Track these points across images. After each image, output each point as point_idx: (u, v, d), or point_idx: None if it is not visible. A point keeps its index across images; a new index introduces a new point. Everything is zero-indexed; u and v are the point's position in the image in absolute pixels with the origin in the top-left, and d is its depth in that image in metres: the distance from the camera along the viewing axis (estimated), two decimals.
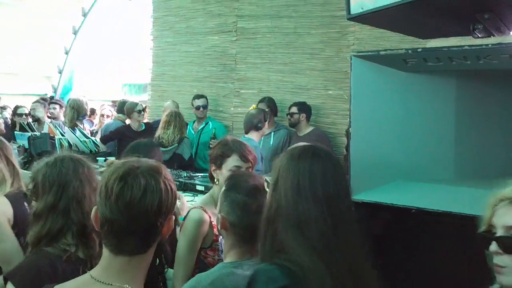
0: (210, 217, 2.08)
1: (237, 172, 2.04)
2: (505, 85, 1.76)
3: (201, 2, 6.05)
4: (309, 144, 1.51)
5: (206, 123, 5.46)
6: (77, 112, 5.88)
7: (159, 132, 5.12)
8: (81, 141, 5.01)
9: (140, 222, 1.19)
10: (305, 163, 1.33)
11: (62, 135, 5.05)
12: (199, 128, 5.43)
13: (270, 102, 5.12)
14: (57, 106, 6.36)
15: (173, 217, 1.28)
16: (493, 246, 1.13)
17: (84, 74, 8.37)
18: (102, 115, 6.62)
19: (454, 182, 1.69)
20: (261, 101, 5.14)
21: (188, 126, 5.44)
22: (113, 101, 7.80)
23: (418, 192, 1.69)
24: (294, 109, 4.88)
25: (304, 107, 4.90)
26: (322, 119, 5.15)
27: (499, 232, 1.13)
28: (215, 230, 2.03)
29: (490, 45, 1.44)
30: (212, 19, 5.98)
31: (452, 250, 1.68)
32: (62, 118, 6.17)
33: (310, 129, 4.88)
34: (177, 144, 4.88)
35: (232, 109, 5.85)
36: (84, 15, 7.70)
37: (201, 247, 2.06)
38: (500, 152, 1.77)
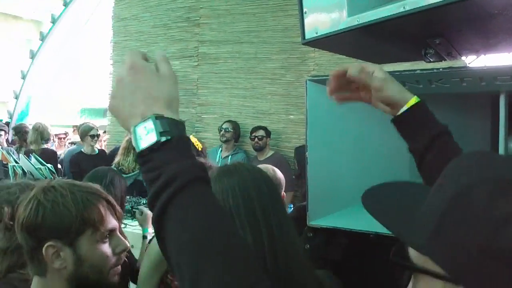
0: None
1: None
2: (457, 108, 1.79)
3: (162, 27, 6.04)
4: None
5: None
6: (41, 135, 5.72)
7: (118, 158, 5.02)
8: (36, 168, 4.83)
9: None
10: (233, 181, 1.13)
11: (16, 162, 4.86)
12: None
13: (235, 125, 5.13)
14: (2, 133, 6.15)
15: None
16: None
17: (41, 99, 8.15)
18: (73, 143, 6.47)
19: None
20: (227, 121, 5.15)
21: None
22: (74, 126, 7.62)
23: None
24: (262, 133, 4.89)
25: (268, 131, 4.95)
26: (284, 143, 5.16)
27: None
28: None
29: (441, 69, 1.45)
30: (173, 44, 5.96)
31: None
32: (5, 145, 5.99)
33: (270, 153, 4.91)
34: (138, 171, 4.78)
35: (194, 134, 5.81)
36: (42, 39, 7.54)
37: (167, 270, 2.04)
38: None
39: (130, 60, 0.80)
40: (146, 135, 0.74)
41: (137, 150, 0.76)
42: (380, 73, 1.12)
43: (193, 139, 4.57)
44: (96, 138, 5.38)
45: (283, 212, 1.12)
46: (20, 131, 5.93)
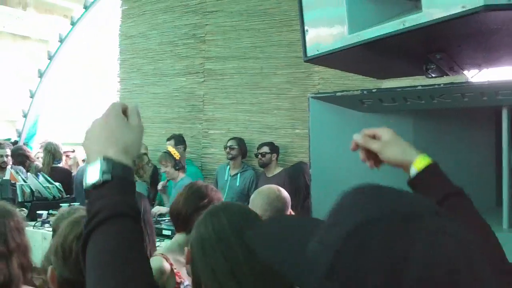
0: (171, 265, 2.03)
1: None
2: (460, 122, 1.79)
3: (169, 44, 6.10)
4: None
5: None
6: (53, 156, 5.77)
7: None
8: (44, 187, 4.87)
9: None
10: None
11: (24, 181, 4.90)
12: None
13: (240, 142, 5.11)
14: (9, 152, 6.15)
15: None
16: None
17: (50, 117, 8.23)
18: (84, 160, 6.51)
19: None
20: (231, 138, 5.15)
21: None
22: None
23: None
24: (266, 149, 4.85)
25: (274, 147, 4.90)
26: (291, 158, 5.15)
27: None
28: (177, 277, 2.00)
29: (442, 85, 1.46)
30: (179, 61, 6.01)
31: None
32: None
33: (279, 169, 4.87)
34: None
35: (201, 149, 5.83)
36: (50, 58, 7.63)
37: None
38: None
39: (109, 107, 0.91)
40: (93, 173, 0.83)
41: (84, 186, 0.84)
42: (385, 135, 1.17)
43: (170, 149, 4.61)
44: None
45: None
46: (15, 153, 5.94)
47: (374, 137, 1.19)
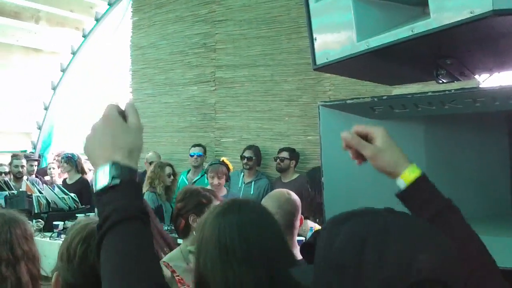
0: (174, 272, 2.07)
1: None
2: (473, 127, 1.78)
3: (179, 54, 6.15)
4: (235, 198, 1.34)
5: (202, 175, 5.19)
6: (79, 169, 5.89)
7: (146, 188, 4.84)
8: (59, 197, 4.92)
9: None
10: (233, 218, 1.13)
11: (40, 192, 4.96)
12: (194, 179, 5.31)
13: (256, 151, 5.12)
14: (25, 163, 6.23)
15: None
16: None
17: (64, 129, 8.33)
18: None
19: None
20: (248, 148, 5.14)
21: (182, 175, 5.37)
22: None
23: None
24: (285, 154, 4.87)
25: (294, 154, 4.92)
26: (303, 164, 5.16)
27: None
28: (179, 284, 2.03)
29: (453, 91, 1.45)
30: (190, 70, 6.06)
31: None
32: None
33: (295, 175, 4.88)
34: None
35: (214, 158, 5.84)
36: (63, 70, 7.73)
37: None
38: (472, 194, 1.76)
39: (106, 111, 0.94)
40: (102, 178, 0.88)
41: (94, 191, 0.90)
42: (378, 140, 1.10)
43: (226, 160, 4.52)
44: None
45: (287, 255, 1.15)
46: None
47: (366, 136, 1.11)
